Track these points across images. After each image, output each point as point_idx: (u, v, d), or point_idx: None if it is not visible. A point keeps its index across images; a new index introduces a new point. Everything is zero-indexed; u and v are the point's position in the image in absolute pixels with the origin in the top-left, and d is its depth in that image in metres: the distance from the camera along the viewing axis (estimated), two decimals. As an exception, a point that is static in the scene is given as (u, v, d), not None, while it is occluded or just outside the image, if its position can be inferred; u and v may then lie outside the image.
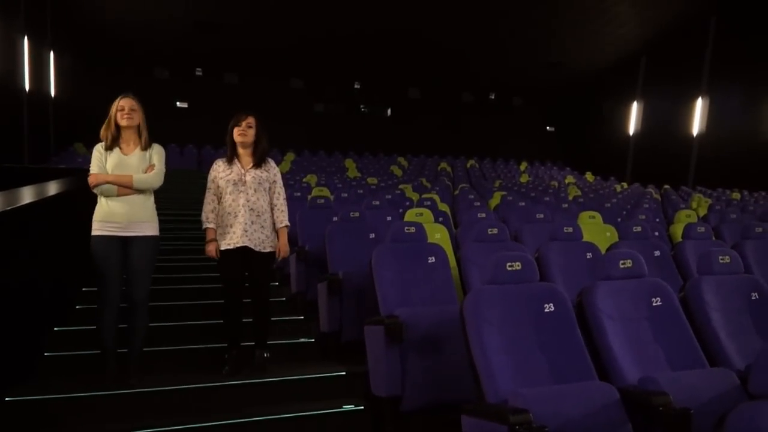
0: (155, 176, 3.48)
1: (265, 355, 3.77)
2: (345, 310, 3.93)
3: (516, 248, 4.06)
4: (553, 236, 4.23)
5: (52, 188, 4.93)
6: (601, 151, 20.13)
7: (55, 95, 14.09)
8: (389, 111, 20.95)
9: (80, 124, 13.61)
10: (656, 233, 5.48)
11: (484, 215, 5.45)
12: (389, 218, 5.38)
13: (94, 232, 3.40)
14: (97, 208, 3.44)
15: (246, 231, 3.67)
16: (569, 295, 2.69)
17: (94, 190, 3.41)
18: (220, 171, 3.77)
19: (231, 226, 3.68)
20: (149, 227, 3.48)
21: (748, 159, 14.01)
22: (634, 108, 18.96)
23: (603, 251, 4.23)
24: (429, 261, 3.64)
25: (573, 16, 15.37)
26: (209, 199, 3.76)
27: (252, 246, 3.68)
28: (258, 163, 3.78)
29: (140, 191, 3.44)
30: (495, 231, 4.12)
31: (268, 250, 3.76)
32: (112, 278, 3.39)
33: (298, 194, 6.82)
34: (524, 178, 14.74)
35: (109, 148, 3.45)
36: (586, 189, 12.18)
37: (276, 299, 4.86)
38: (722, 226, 5.86)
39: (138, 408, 3.23)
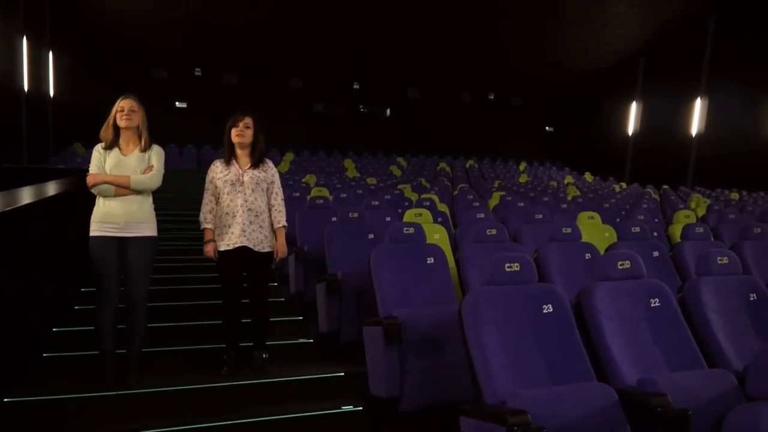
0: (153, 177, 3.48)
1: (264, 355, 3.77)
2: (344, 310, 3.93)
3: (515, 249, 4.06)
4: (552, 237, 4.23)
5: (51, 188, 4.93)
6: (600, 151, 20.15)
7: (54, 95, 14.08)
8: (388, 111, 20.95)
9: (79, 124, 13.60)
10: (655, 234, 5.48)
11: (483, 215, 5.45)
12: (388, 219, 5.38)
13: (92, 233, 3.40)
14: (95, 208, 3.44)
15: (244, 231, 3.67)
16: (568, 296, 2.69)
17: (92, 190, 3.42)
18: (217, 172, 3.77)
19: (229, 227, 3.69)
20: (147, 228, 3.48)
21: (747, 159, 14.01)
22: (633, 108, 18.96)
23: (602, 252, 4.23)
24: (428, 261, 3.64)
25: (572, 16, 15.37)
26: (207, 199, 3.76)
27: (251, 246, 3.69)
28: (256, 163, 3.78)
29: (138, 192, 3.44)
30: (494, 231, 4.13)
31: (266, 250, 3.76)
32: (111, 279, 3.39)
33: (297, 194, 6.82)
34: (523, 178, 14.74)
35: (108, 148, 3.46)
36: (585, 189, 12.18)
37: (275, 300, 4.86)
38: (721, 227, 5.86)
39: (137, 408, 3.22)
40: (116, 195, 3.40)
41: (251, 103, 15.28)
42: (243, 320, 3.77)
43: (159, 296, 4.73)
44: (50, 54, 13.82)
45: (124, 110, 3.42)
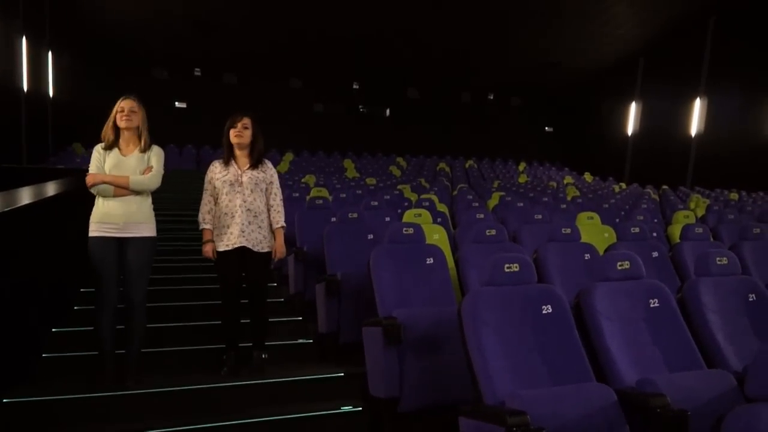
0: (152, 178, 3.48)
1: (264, 356, 3.77)
2: (343, 311, 3.93)
3: (514, 249, 4.07)
4: (552, 237, 4.23)
5: (51, 189, 4.93)
6: (600, 152, 20.15)
7: (53, 95, 14.07)
8: (388, 111, 20.95)
9: (79, 124, 13.62)
10: (654, 234, 5.48)
11: (482, 216, 5.45)
12: (388, 219, 5.38)
13: (92, 233, 3.40)
14: (95, 209, 3.44)
15: (243, 231, 3.67)
16: (567, 297, 2.69)
17: (92, 190, 3.42)
18: (216, 172, 3.77)
19: (228, 227, 3.69)
20: (146, 228, 3.48)
21: (746, 159, 14.02)
22: (633, 108, 18.97)
23: (601, 252, 4.23)
24: (427, 262, 3.64)
25: (572, 16, 15.37)
26: (206, 200, 3.76)
27: (249, 246, 3.68)
28: (255, 164, 3.78)
29: (137, 192, 3.44)
30: (493, 232, 4.13)
31: (265, 250, 3.76)
32: (110, 279, 3.39)
33: (297, 195, 6.82)
34: (523, 179, 14.74)
35: (108, 148, 3.46)
36: (584, 189, 12.18)
37: (274, 300, 4.87)
38: (720, 227, 5.86)
39: (136, 409, 3.22)
40: (115, 195, 3.40)
41: (251, 103, 15.30)
42: (242, 321, 3.77)
43: (158, 296, 4.72)
44: (50, 54, 13.81)
45: (125, 111, 3.42)
